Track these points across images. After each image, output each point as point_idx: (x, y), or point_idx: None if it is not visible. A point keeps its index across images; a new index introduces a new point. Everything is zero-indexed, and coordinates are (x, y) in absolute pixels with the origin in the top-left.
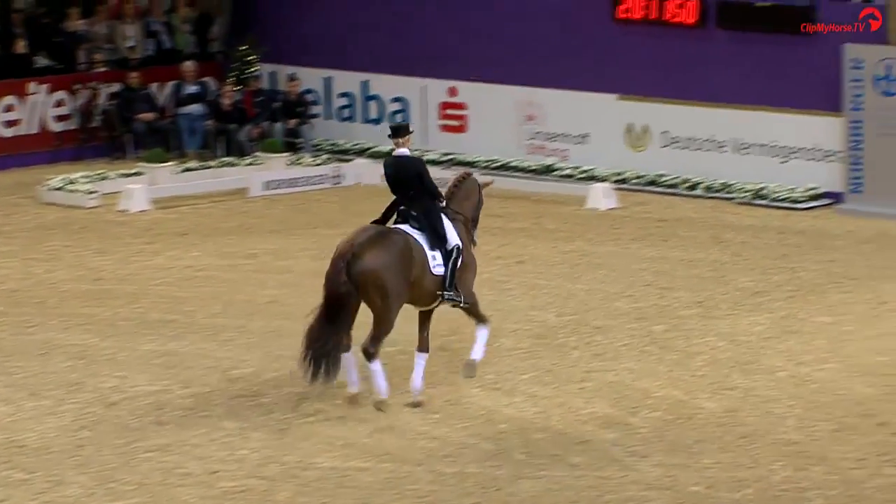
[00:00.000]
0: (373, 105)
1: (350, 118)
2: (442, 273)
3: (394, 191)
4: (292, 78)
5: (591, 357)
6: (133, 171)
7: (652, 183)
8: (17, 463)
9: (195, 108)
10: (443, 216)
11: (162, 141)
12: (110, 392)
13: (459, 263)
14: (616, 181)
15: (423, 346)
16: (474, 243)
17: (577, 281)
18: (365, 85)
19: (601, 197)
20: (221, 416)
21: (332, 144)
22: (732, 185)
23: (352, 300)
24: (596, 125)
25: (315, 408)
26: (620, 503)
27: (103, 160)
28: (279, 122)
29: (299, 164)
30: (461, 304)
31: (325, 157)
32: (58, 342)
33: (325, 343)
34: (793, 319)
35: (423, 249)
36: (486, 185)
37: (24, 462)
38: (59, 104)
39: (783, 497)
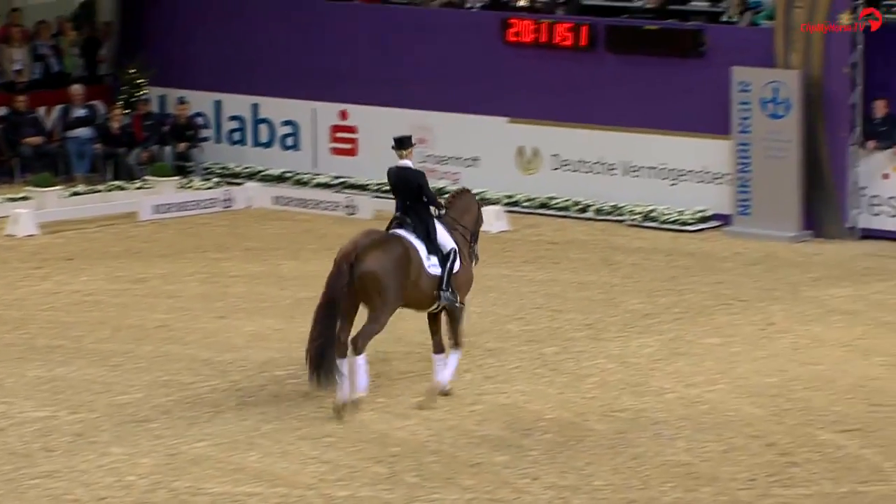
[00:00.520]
0: (263, 128)
1: (240, 141)
2: (438, 273)
3: (396, 198)
4: (182, 101)
5: (484, 379)
6: (20, 195)
7: (543, 206)
8: None
9: (83, 132)
10: (437, 224)
11: (50, 165)
12: None
13: (456, 267)
14: (507, 204)
15: (438, 348)
16: (476, 258)
17: (469, 304)
18: (255, 108)
19: (492, 220)
20: (109, 442)
21: (223, 168)
22: (622, 207)
23: (350, 299)
24: (487, 148)
25: (205, 432)
26: None
27: None
28: (168, 146)
29: (189, 187)
30: (456, 304)
31: (215, 180)
32: None
33: (322, 340)
34: (682, 341)
35: (419, 254)
36: (484, 203)
37: None
38: None
39: None
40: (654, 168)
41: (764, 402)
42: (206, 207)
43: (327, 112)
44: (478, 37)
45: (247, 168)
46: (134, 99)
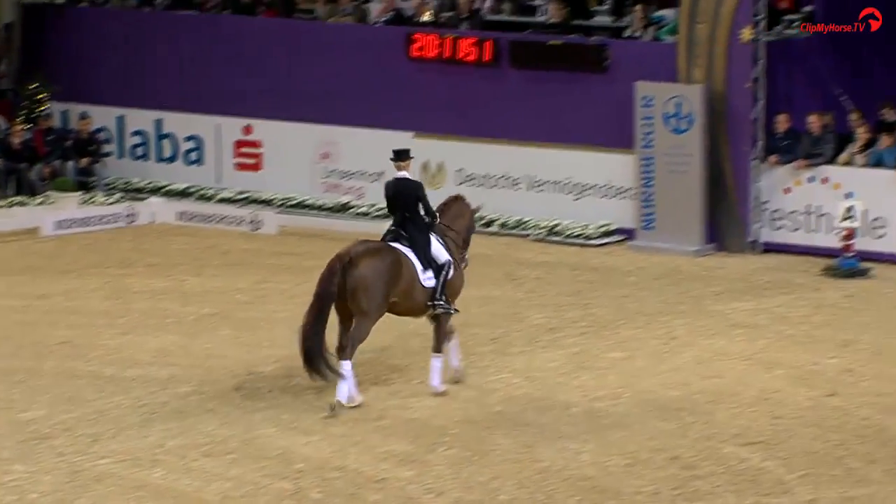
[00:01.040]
0: (166, 143)
1: (143, 157)
2: (433, 286)
3: (391, 211)
4: (84, 116)
5: (389, 395)
6: None
7: None
8: None
9: None
10: (432, 238)
11: None
12: None
13: (450, 275)
14: None
15: (437, 348)
16: (465, 263)
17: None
18: (158, 123)
19: None
20: (11, 460)
21: (126, 183)
22: (527, 221)
23: (341, 301)
24: (391, 163)
25: (109, 449)
26: None
27: None
28: (71, 161)
29: (92, 203)
30: (451, 312)
31: (118, 196)
32: None
33: (313, 340)
34: (587, 355)
35: (413, 265)
36: (476, 210)
37: None
38: None
39: None
40: (558, 183)
41: (668, 415)
42: (109, 223)
43: (231, 127)
44: (382, 52)
45: (150, 183)
46: (35, 114)
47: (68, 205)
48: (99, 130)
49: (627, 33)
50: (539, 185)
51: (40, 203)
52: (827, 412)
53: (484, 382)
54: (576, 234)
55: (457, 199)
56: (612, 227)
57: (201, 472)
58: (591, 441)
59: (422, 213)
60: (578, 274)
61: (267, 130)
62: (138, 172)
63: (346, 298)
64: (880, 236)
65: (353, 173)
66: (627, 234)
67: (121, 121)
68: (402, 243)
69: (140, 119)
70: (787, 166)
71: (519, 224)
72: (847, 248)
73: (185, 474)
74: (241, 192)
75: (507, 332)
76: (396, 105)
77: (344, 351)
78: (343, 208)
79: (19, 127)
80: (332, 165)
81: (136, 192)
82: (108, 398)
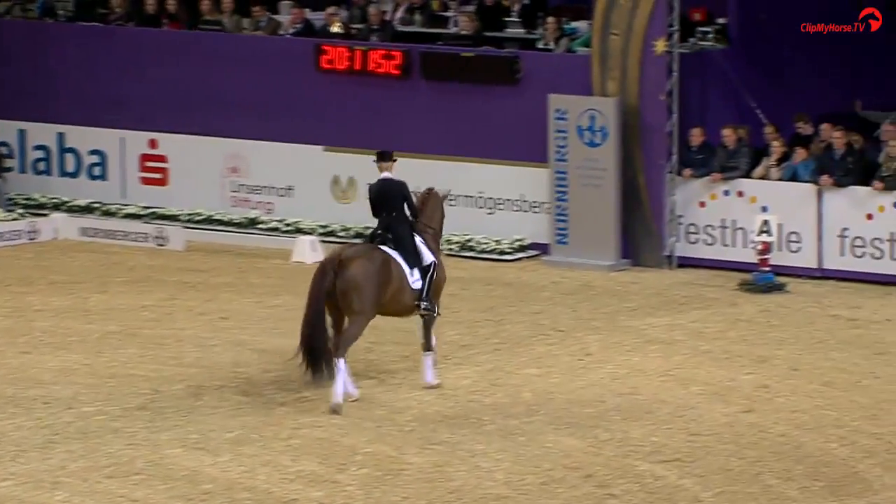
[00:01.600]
0: (69, 158)
1: (46, 172)
2: (420, 287)
3: (375, 213)
4: None
5: (299, 413)
6: None
7: (359, 235)
8: None
9: None
10: (416, 239)
11: None
12: None
13: (435, 277)
14: (322, 234)
15: (427, 346)
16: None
17: (284, 336)
18: (61, 137)
19: (307, 250)
20: None
21: (28, 199)
22: None
23: (333, 302)
24: (301, 177)
25: (9, 472)
26: None
27: None
28: None
29: None
30: (434, 315)
31: (19, 211)
32: None
33: (315, 342)
34: (500, 372)
35: (402, 267)
36: (445, 196)
37: None
38: None
39: None
40: (471, 197)
41: (582, 432)
42: (10, 239)
43: (136, 141)
44: (291, 64)
45: (53, 199)
46: None
47: None
48: (0, 145)
49: (540, 45)
50: (452, 200)
51: None
52: (743, 429)
53: (396, 400)
54: (489, 249)
55: (430, 194)
56: (526, 242)
57: (105, 494)
58: (504, 459)
59: (407, 212)
60: (492, 289)
61: (173, 144)
62: (40, 188)
63: (336, 300)
64: (796, 250)
65: (262, 188)
66: (541, 249)
67: (22, 135)
68: (388, 246)
69: (42, 133)
70: (702, 180)
71: None
72: (763, 262)
73: (89, 497)
74: (146, 208)
75: (420, 349)
76: (306, 118)
77: (337, 349)
78: (252, 223)
79: None
80: (241, 180)
81: (37, 208)
82: (8, 419)
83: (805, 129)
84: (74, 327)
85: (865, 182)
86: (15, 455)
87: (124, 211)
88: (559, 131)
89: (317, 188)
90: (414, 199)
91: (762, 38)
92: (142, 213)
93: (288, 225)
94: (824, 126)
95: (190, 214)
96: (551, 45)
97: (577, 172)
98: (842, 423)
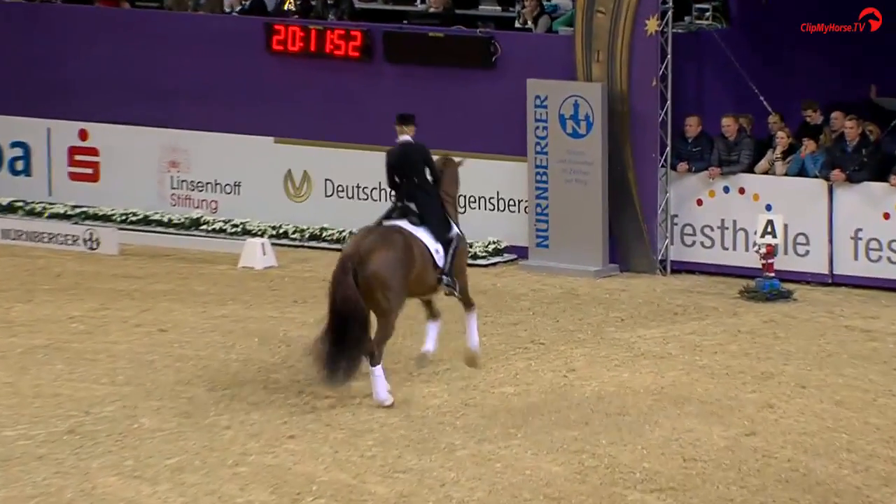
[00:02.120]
0: None
1: None
2: (443, 262)
3: (391, 181)
4: None
5: (247, 437)
6: None
7: (314, 237)
8: None
9: None
10: (442, 208)
11: None
12: None
13: (458, 251)
14: (274, 236)
15: (434, 315)
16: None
17: (230, 351)
18: None
19: (257, 254)
20: None
21: None
22: None
23: (360, 305)
24: (250, 172)
25: None
26: None
27: None
28: None
29: None
30: (455, 293)
31: None
32: None
33: (339, 345)
34: (474, 391)
35: (423, 245)
36: (459, 164)
37: None
38: None
39: None
40: None
41: (565, 458)
42: None
43: (64, 132)
44: (238, 45)
45: None
46: None
47: None
48: None
49: (517, 24)
50: None
51: None
52: (745, 454)
53: (356, 423)
54: None
55: (447, 163)
56: (502, 245)
57: None
58: (478, 489)
59: (429, 178)
60: None
61: (105, 135)
62: None
63: (363, 296)
64: (803, 254)
65: (205, 184)
66: (519, 252)
67: None
68: (410, 220)
69: None
70: (698, 175)
71: None
72: (767, 267)
73: None
74: (75, 207)
75: (384, 364)
76: (255, 106)
77: (373, 357)
78: (194, 224)
79: None
80: (182, 175)
81: None
82: None
83: (814, 117)
84: None
85: (882, 177)
86: None
87: (51, 210)
88: (539, 120)
89: (267, 184)
90: None
91: (766, 16)
92: (70, 212)
93: (235, 226)
94: (835, 114)
95: (124, 214)
96: (530, 25)
97: (558, 167)
98: (855, 447)
